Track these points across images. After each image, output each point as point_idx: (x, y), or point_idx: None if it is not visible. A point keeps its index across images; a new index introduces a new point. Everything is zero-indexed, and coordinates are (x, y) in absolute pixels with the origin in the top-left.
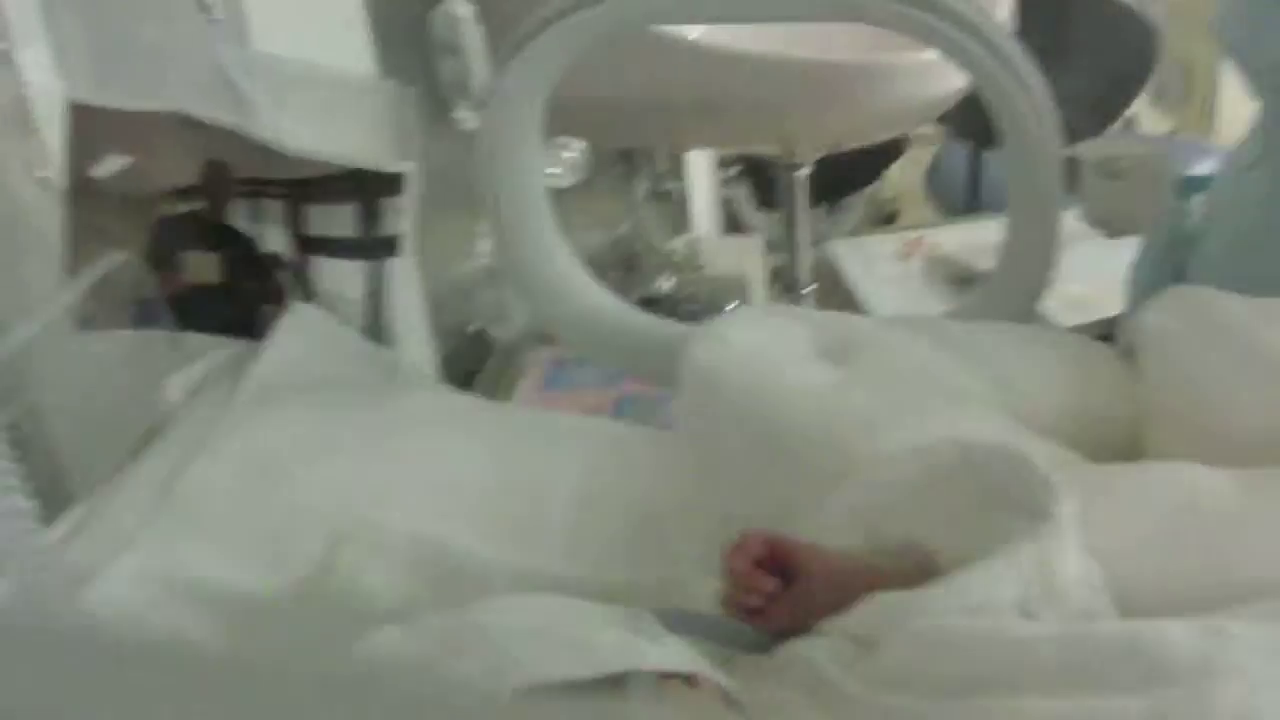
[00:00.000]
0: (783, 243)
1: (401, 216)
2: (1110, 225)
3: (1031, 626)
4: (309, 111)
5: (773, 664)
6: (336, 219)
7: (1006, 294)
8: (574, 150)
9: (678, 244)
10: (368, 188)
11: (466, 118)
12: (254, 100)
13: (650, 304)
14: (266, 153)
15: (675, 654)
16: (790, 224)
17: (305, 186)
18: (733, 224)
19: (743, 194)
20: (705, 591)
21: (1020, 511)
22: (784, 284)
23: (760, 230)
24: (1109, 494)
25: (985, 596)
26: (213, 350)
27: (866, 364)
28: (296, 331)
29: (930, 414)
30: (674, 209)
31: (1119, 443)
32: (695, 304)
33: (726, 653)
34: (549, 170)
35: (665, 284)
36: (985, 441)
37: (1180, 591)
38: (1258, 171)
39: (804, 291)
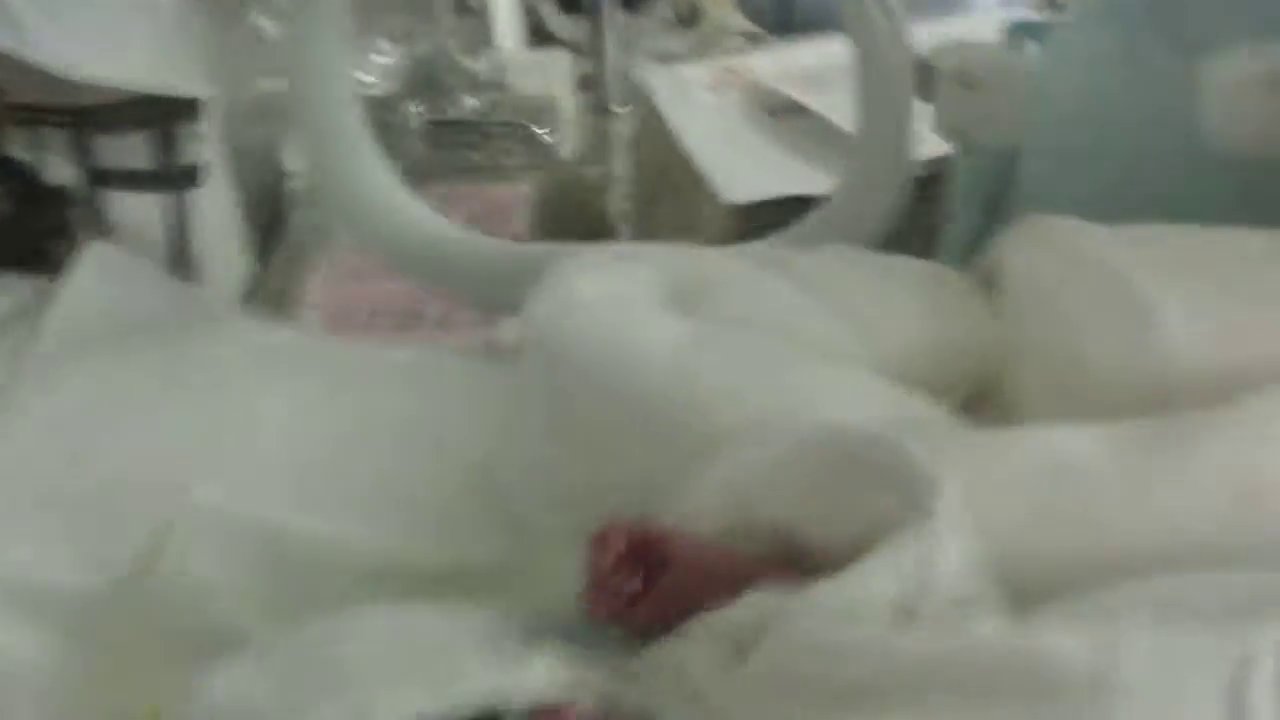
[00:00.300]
0: (591, 49)
1: (203, 144)
2: (965, 137)
3: (910, 637)
4: (88, 31)
5: (643, 668)
6: (129, 148)
7: (855, 214)
8: (385, 54)
9: (482, 62)
10: (162, 114)
11: (266, 26)
12: (24, 20)
13: (456, 127)
14: (45, 77)
15: (545, 678)
16: (597, 30)
17: (92, 114)
18: (539, 34)
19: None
20: (568, 574)
21: (897, 495)
22: (595, 99)
23: (568, 37)
24: (975, 467)
25: (862, 596)
26: None
27: (722, 313)
28: (93, 272)
29: (793, 374)
30: (477, 22)
31: (980, 372)
32: (503, 126)
33: (592, 656)
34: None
35: (471, 105)
36: (859, 428)
37: (1057, 563)
38: (1100, 24)
39: (619, 111)
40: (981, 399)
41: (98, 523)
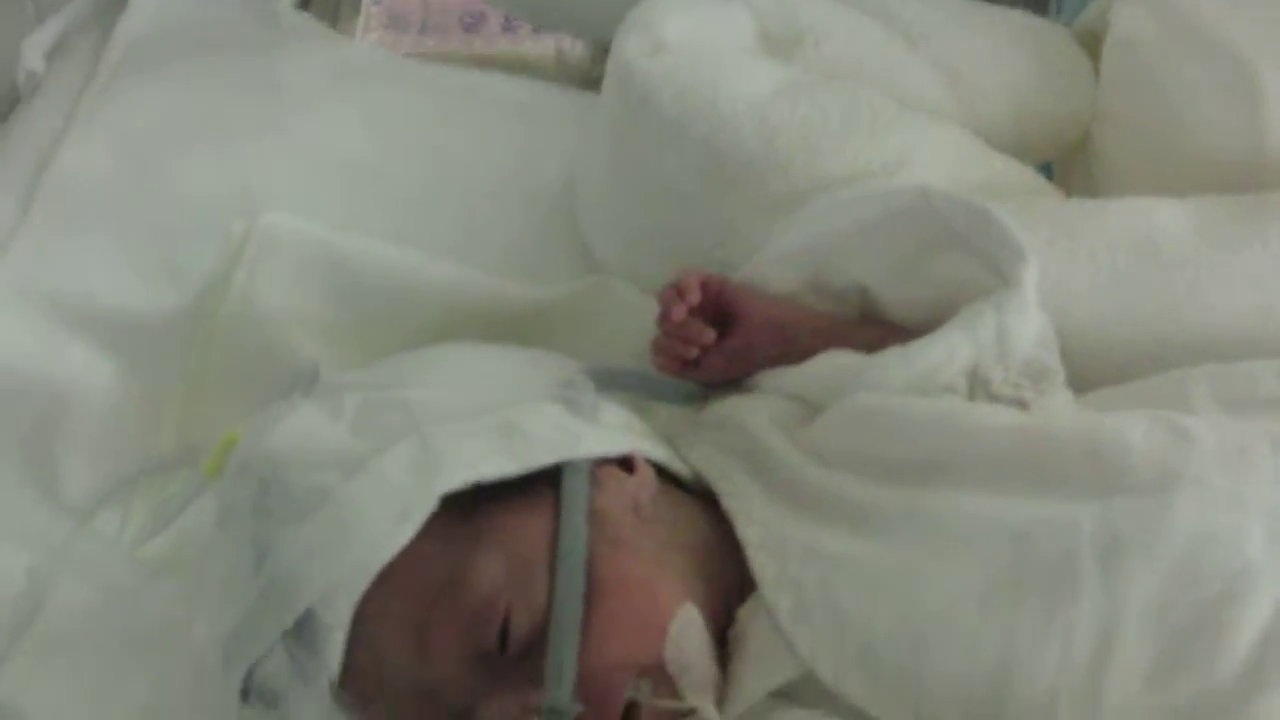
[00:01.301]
0: None
1: None
2: None
3: (988, 414)
4: None
5: (709, 421)
6: None
7: None
8: None
9: None
10: None
11: None
12: None
13: None
14: None
15: (611, 435)
16: None
17: None
18: None
19: None
20: (632, 301)
21: (983, 263)
22: None
23: None
24: (1069, 235)
25: (938, 365)
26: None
27: (817, 62)
28: None
29: (878, 132)
30: None
31: (1073, 137)
32: None
33: (660, 407)
34: None
35: None
36: (952, 193)
37: (1134, 338)
38: None
39: None
40: (1071, 164)
41: (166, 243)
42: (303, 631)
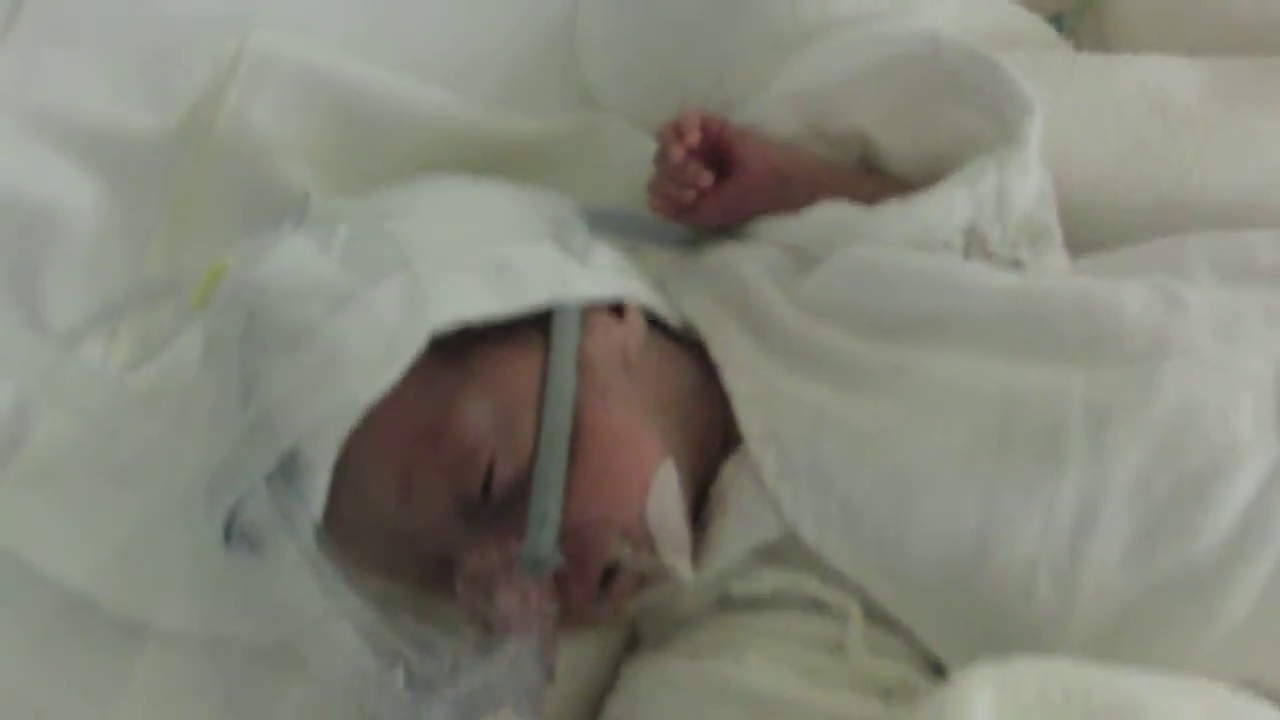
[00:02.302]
0: None
1: None
2: None
3: (985, 273)
4: None
5: (702, 268)
6: None
7: None
8: None
9: None
10: None
11: None
12: None
13: None
14: None
15: (603, 277)
16: None
17: None
18: None
19: None
20: (629, 139)
21: (988, 116)
22: None
23: None
24: (1076, 91)
25: (937, 220)
26: None
27: None
28: None
29: None
30: None
31: None
32: None
33: (652, 251)
34: None
35: None
36: (961, 40)
37: (1137, 200)
38: None
39: None
40: (1081, 18)
41: (157, 61)
42: (286, 471)
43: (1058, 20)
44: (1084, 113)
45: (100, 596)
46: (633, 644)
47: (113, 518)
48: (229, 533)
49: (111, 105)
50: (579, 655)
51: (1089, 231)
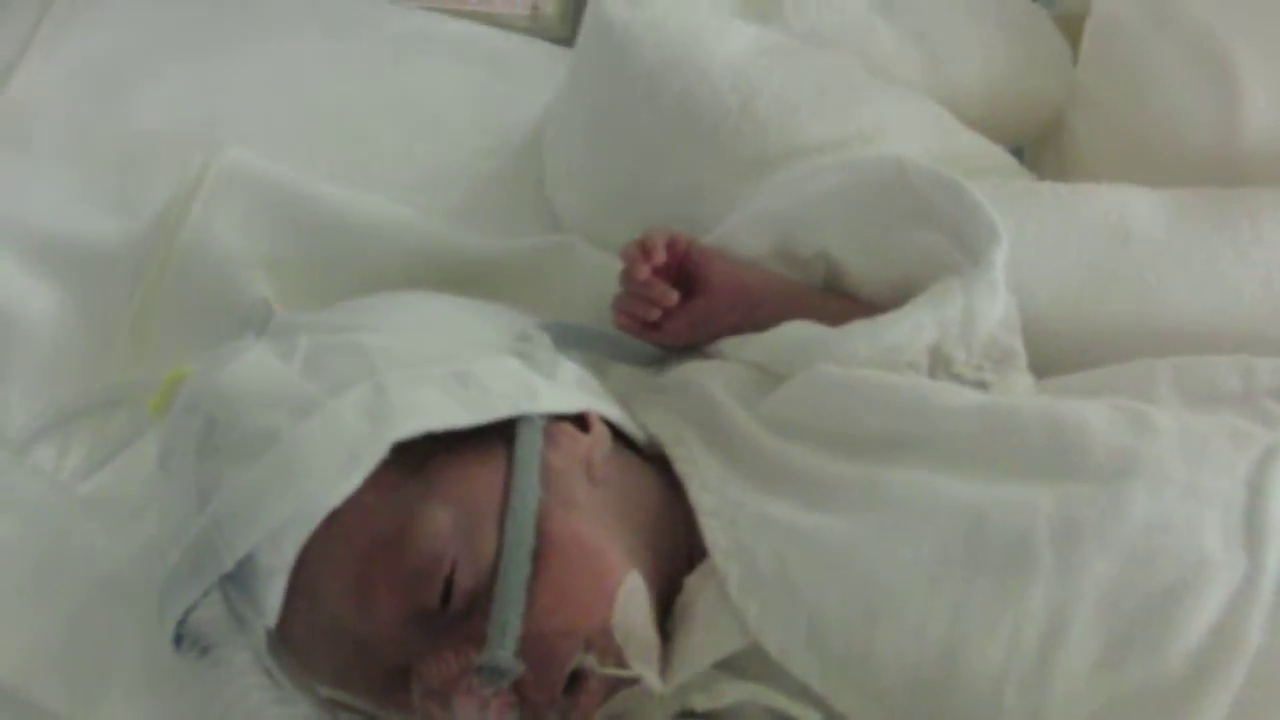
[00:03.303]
0: None
1: None
2: None
3: (951, 393)
4: None
5: (667, 384)
6: None
7: None
8: None
9: None
10: None
11: None
12: None
13: None
14: None
15: (567, 392)
16: None
17: None
18: None
19: None
20: (595, 261)
21: (954, 240)
22: None
23: None
24: (1039, 220)
25: (904, 340)
26: None
27: (792, 25)
28: None
29: (856, 101)
30: None
31: (1046, 119)
32: None
33: (618, 367)
34: None
35: None
36: (927, 166)
37: (1099, 325)
38: None
39: None
40: (1042, 148)
41: (124, 171)
42: (242, 576)
43: (1018, 152)
44: (1048, 238)
45: (32, 689)
46: None
47: (49, 608)
48: (180, 637)
49: (75, 214)
50: None
51: (1054, 355)
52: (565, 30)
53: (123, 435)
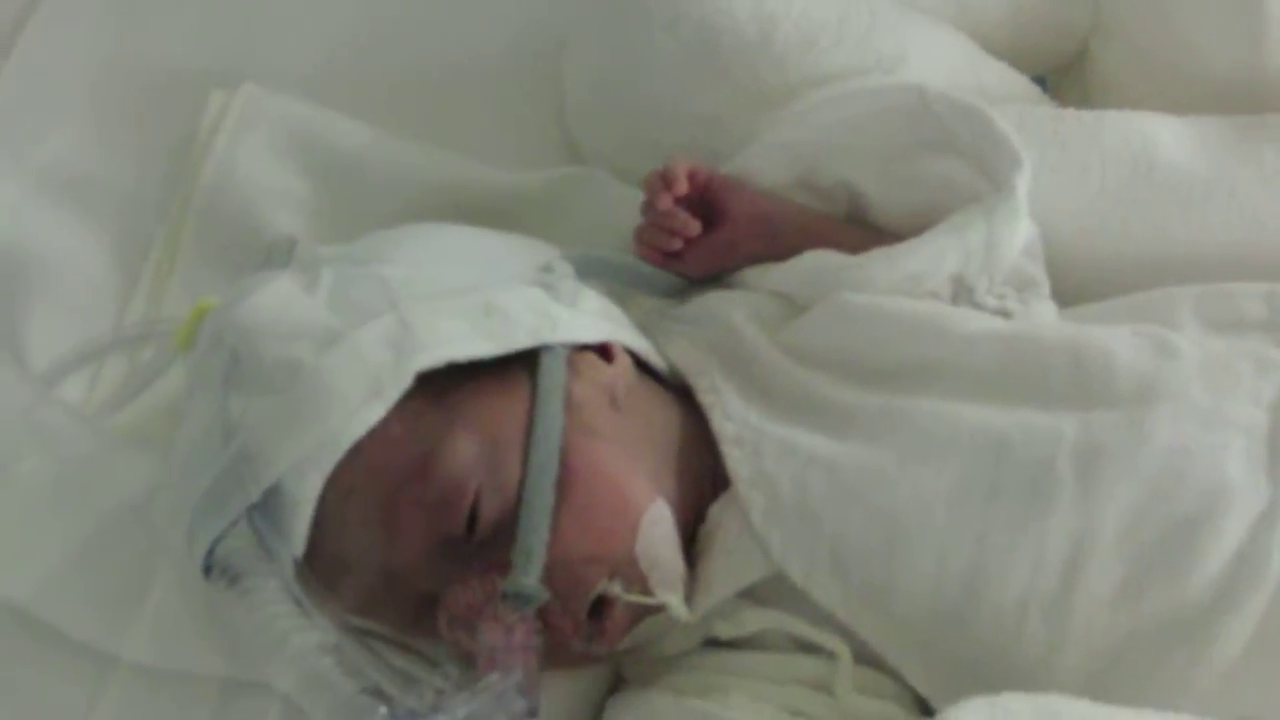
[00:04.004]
0: None
1: None
2: None
3: (973, 320)
4: None
5: (689, 315)
6: None
7: None
8: None
9: None
10: None
11: None
12: None
13: None
14: None
15: (590, 321)
16: None
17: None
18: None
19: None
20: (616, 192)
21: (977, 168)
22: None
23: None
24: (1063, 147)
25: (924, 268)
26: None
27: None
28: None
29: (877, 31)
30: None
31: (1068, 50)
32: None
33: (639, 298)
34: None
35: None
36: (949, 93)
37: (1122, 255)
38: None
39: None
40: (1065, 79)
41: (146, 109)
42: (269, 507)
43: (1041, 81)
44: (1071, 166)
45: (58, 617)
46: (616, 686)
47: (76, 538)
48: (209, 567)
49: (97, 152)
50: (563, 692)
51: (1076, 284)
52: None
53: (150, 369)
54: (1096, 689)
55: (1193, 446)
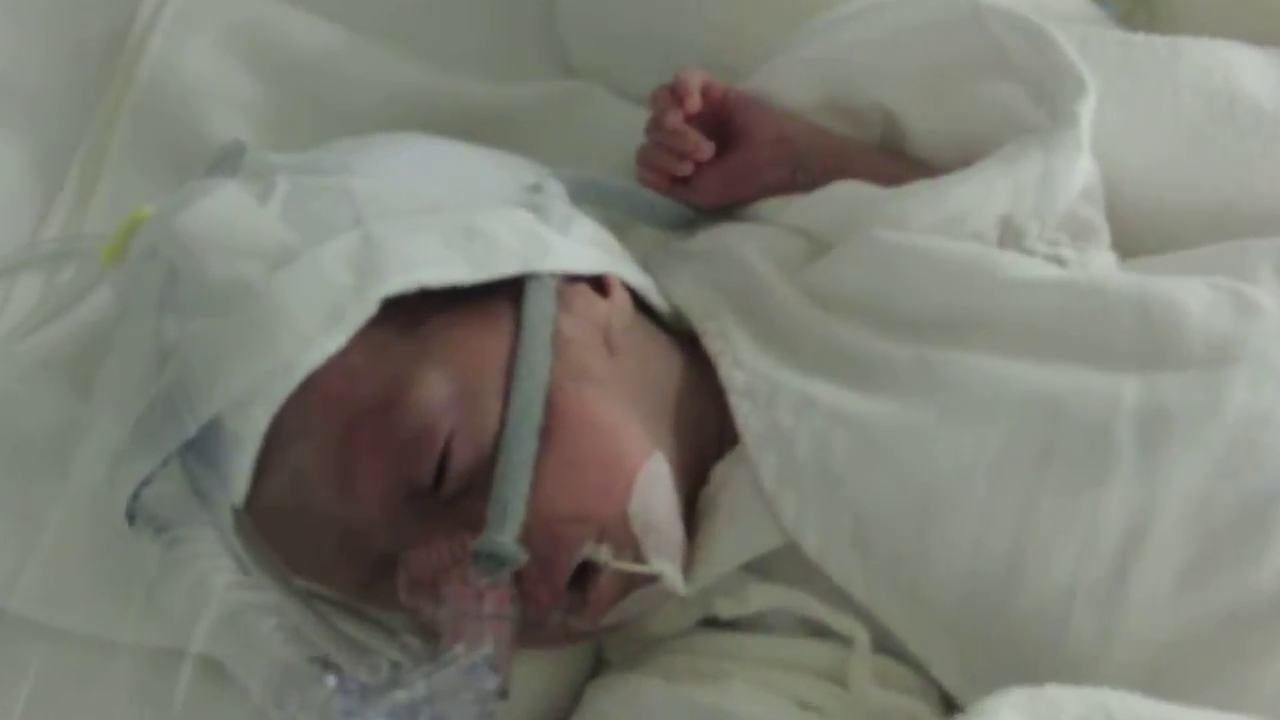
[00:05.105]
0: None
1: None
2: None
3: (1026, 266)
4: None
5: (697, 250)
6: None
7: None
8: None
9: None
10: None
11: None
12: None
13: None
14: None
15: (584, 250)
16: None
17: None
18: None
19: None
20: (616, 108)
21: (1035, 94)
22: None
23: None
24: (1132, 76)
25: (971, 206)
26: None
27: None
28: None
29: None
30: None
31: None
32: None
33: (640, 229)
34: None
35: None
36: (1004, 7)
37: (1194, 201)
38: None
39: None
40: (1134, 6)
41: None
42: (206, 445)
43: (1108, 6)
44: (1140, 99)
45: None
46: (598, 669)
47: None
48: (133, 513)
49: (22, 53)
50: (536, 673)
51: (1139, 232)
52: None
53: (70, 291)
54: (1145, 689)
55: (1272, 415)
